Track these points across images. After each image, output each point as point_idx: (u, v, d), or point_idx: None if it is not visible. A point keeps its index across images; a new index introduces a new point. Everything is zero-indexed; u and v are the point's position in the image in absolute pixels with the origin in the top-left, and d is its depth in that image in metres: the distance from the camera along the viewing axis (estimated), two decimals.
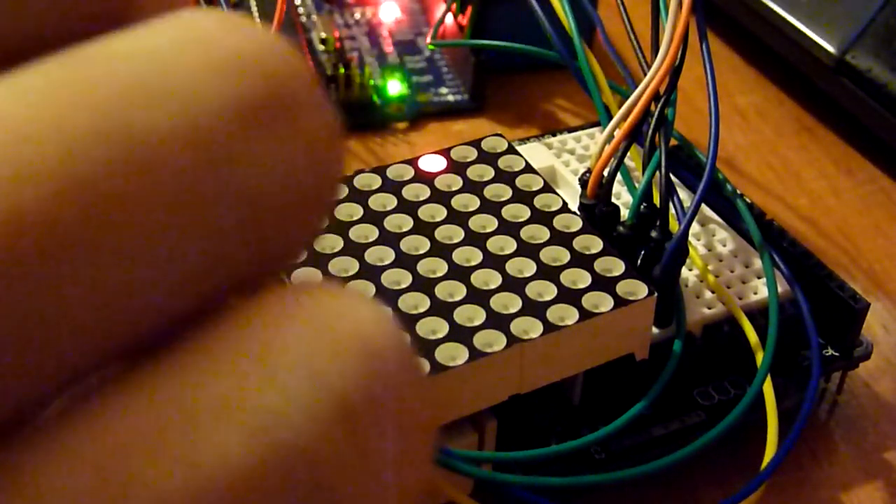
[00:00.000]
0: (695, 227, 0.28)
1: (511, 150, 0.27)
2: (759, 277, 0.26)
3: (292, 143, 0.09)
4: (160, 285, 0.09)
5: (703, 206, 0.28)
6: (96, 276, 0.08)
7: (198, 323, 0.09)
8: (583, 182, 0.26)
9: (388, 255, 0.24)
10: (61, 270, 0.08)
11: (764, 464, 0.23)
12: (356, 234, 0.24)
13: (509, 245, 0.24)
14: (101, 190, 0.08)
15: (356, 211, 0.25)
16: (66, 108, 0.08)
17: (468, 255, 0.24)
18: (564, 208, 0.25)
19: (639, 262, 0.25)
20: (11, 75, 0.09)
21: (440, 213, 0.25)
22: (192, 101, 0.09)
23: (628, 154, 0.26)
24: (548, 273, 0.23)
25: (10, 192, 0.08)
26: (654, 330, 0.25)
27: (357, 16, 0.41)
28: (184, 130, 0.09)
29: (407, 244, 0.24)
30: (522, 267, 0.24)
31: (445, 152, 0.27)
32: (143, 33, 0.09)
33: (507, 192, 0.26)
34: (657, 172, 0.25)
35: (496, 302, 0.23)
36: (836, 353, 0.27)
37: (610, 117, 0.27)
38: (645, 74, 0.26)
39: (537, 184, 0.26)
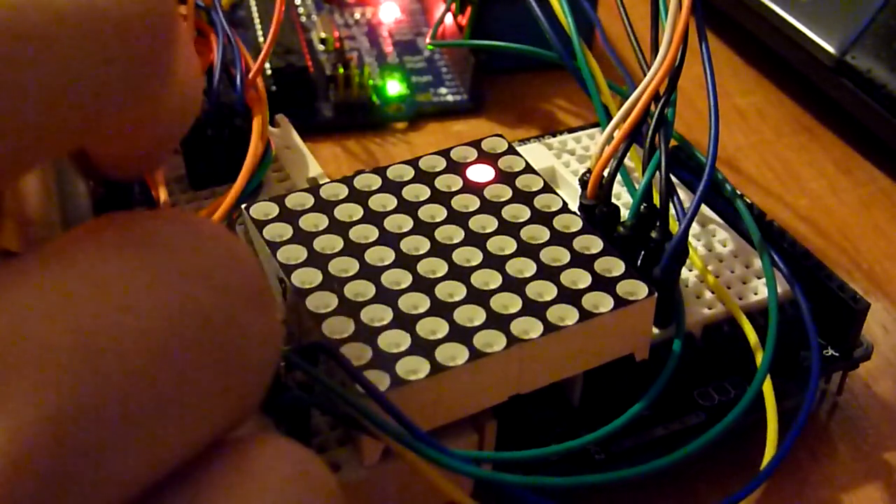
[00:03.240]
0: (695, 228, 0.28)
1: (511, 151, 0.27)
2: (758, 278, 0.26)
3: None
4: None
5: (703, 207, 0.28)
6: None
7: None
8: (583, 182, 0.26)
9: (388, 255, 0.24)
10: None
11: (764, 464, 0.23)
12: (356, 234, 0.24)
13: (509, 245, 0.24)
14: None
15: (356, 211, 0.25)
16: None
17: (468, 256, 0.24)
18: (564, 209, 0.25)
19: (639, 262, 0.25)
20: None
21: (440, 213, 0.25)
22: None
23: (628, 154, 0.26)
24: (548, 273, 0.23)
25: None
26: (654, 330, 0.25)
27: (357, 16, 0.41)
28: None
29: (407, 244, 0.24)
30: (522, 267, 0.24)
31: (445, 153, 0.27)
32: None
33: (507, 193, 0.26)
34: (657, 173, 0.25)
35: (496, 302, 0.23)
36: (836, 354, 0.27)
37: (609, 118, 0.27)
38: (644, 75, 0.26)
39: (537, 184, 0.26)
